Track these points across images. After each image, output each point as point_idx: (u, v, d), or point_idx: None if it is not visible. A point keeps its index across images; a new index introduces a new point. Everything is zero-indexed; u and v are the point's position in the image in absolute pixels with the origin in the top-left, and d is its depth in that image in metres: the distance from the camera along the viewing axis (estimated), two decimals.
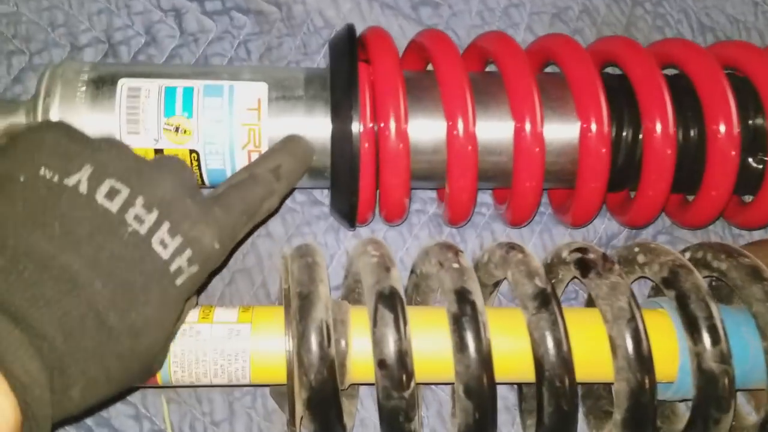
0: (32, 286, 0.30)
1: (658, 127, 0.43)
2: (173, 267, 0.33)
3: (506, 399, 0.49)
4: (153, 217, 0.33)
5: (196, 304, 0.41)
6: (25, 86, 0.50)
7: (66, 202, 0.32)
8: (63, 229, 0.31)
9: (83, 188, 0.32)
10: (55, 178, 0.32)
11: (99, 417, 0.46)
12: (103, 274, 0.31)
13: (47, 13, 0.51)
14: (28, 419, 0.28)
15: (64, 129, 0.34)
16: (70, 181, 0.32)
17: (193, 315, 0.41)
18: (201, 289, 0.37)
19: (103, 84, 0.43)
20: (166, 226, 0.33)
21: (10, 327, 0.28)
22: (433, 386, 0.49)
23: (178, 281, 0.34)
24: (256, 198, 0.38)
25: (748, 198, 0.50)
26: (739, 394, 0.49)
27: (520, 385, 0.48)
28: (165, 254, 0.33)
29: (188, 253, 0.34)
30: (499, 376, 0.40)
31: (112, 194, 0.33)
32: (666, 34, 0.56)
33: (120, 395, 0.39)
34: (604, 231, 0.52)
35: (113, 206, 0.32)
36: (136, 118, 0.42)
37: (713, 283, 0.48)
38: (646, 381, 0.39)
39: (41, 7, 0.51)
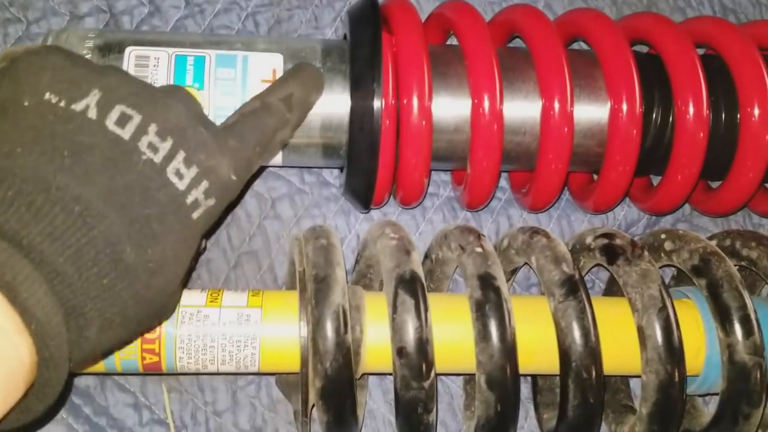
0: (44, 218, 0.27)
1: (691, 109, 0.41)
2: (189, 199, 0.31)
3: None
4: (167, 145, 0.31)
5: (204, 248, 0.38)
6: None
7: (75, 128, 0.30)
8: (73, 157, 0.29)
9: (92, 114, 0.30)
10: (62, 103, 0.30)
11: (97, 405, 0.43)
12: (118, 206, 0.29)
13: None
14: (45, 359, 0.26)
15: (65, 52, 0.32)
16: (78, 107, 0.30)
17: (200, 298, 0.39)
18: (209, 232, 0.35)
19: (109, 51, 0.40)
20: (181, 155, 0.31)
21: (24, 261, 0.26)
22: (444, 378, 0.47)
23: (195, 215, 0.32)
24: (269, 128, 0.36)
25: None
26: None
27: (534, 377, 0.47)
28: (181, 185, 0.31)
29: (205, 184, 0.32)
30: (520, 367, 0.38)
31: (123, 120, 0.30)
32: (687, 15, 0.54)
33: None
34: (623, 218, 0.51)
35: (125, 133, 0.30)
36: None
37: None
38: (677, 374, 0.37)
39: None
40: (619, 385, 0.46)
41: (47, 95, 0.30)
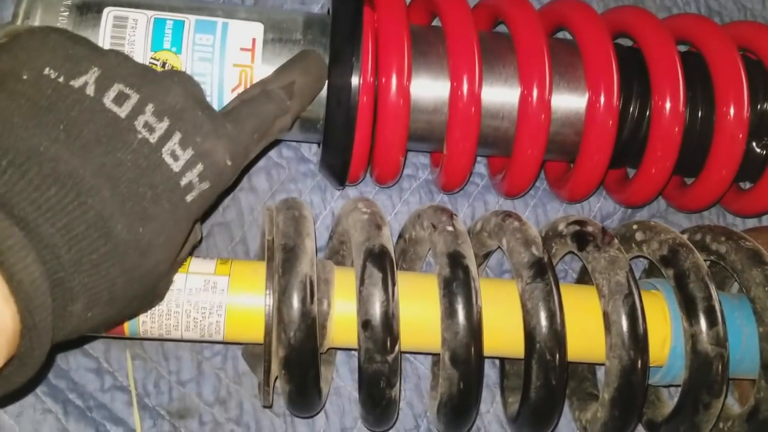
0: (36, 190, 0.27)
1: (668, 105, 0.42)
2: (184, 181, 0.31)
3: (487, 376, 0.47)
4: (164, 126, 0.31)
5: (201, 237, 0.38)
6: (2, 16, 0.47)
7: (72, 103, 0.30)
8: (69, 132, 0.29)
9: (90, 91, 0.30)
10: (61, 79, 0.30)
11: (57, 368, 0.43)
12: (111, 182, 0.29)
13: None
14: (29, 328, 0.26)
15: (68, 32, 0.32)
16: (77, 83, 0.30)
17: None
18: (204, 216, 0.35)
19: (87, 11, 0.40)
20: (177, 136, 0.31)
21: (14, 229, 0.26)
22: (411, 359, 0.47)
23: (189, 197, 0.31)
24: (268, 115, 0.36)
25: (745, 185, 0.49)
26: None
27: (502, 361, 0.47)
28: (176, 167, 0.31)
29: (200, 167, 0.31)
30: (486, 349, 0.38)
31: (120, 99, 0.30)
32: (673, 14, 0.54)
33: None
34: (599, 210, 0.51)
35: (122, 112, 0.30)
36: (120, 49, 0.39)
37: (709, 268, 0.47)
38: (639, 360, 0.37)
39: None
40: (585, 373, 0.46)
41: (47, 70, 0.30)
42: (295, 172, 0.48)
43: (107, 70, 0.31)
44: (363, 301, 0.37)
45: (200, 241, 0.38)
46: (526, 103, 0.41)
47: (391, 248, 0.38)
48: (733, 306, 0.42)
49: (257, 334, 0.38)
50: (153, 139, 0.30)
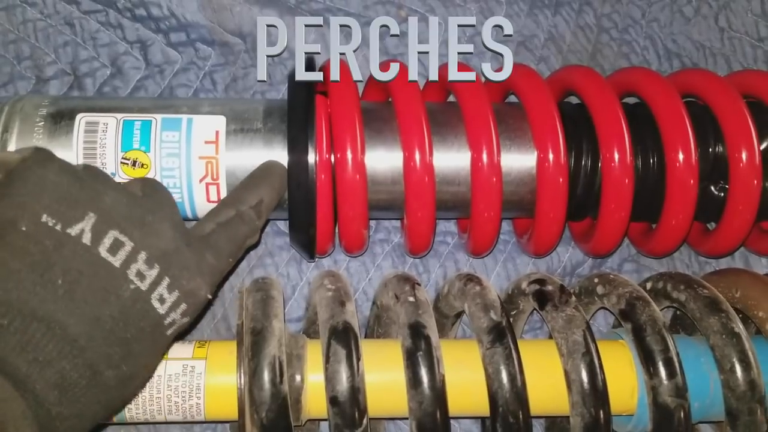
0: (34, 348, 0.30)
1: (616, 157, 0.43)
2: (167, 320, 0.34)
3: None
4: (154, 273, 0.33)
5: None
6: None
7: (69, 255, 0.32)
8: (66, 286, 0.31)
9: (87, 239, 0.32)
10: (58, 227, 0.32)
11: None
12: (103, 333, 0.31)
13: (13, 46, 0.51)
14: None
15: (60, 167, 0.34)
16: (74, 231, 0.32)
17: None
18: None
19: (61, 119, 0.43)
20: (165, 281, 0.33)
21: (13, 393, 0.29)
22: (398, 420, 0.49)
23: (169, 332, 0.34)
24: (242, 238, 0.38)
25: (712, 225, 0.50)
26: (707, 425, 0.48)
27: (484, 418, 0.48)
28: (162, 309, 0.33)
29: (183, 306, 0.34)
30: (455, 411, 0.39)
31: (115, 248, 0.32)
32: (632, 61, 0.56)
33: None
34: (568, 260, 0.52)
35: (116, 261, 0.32)
36: (93, 152, 0.42)
37: (677, 313, 0.48)
38: (601, 416, 0.38)
39: (7, 40, 0.52)
40: (565, 424, 0.47)
41: (44, 217, 0.32)
42: (271, 246, 0.50)
43: (102, 214, 0.33)
44: (329, 379, 0.38)
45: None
46: (478, 168, 0.43)
47: (355, 323, 0.40)
48: (699, 352, 0.42)
49: (236, 414, 0.40)
50: (144, 286, 0.33)
